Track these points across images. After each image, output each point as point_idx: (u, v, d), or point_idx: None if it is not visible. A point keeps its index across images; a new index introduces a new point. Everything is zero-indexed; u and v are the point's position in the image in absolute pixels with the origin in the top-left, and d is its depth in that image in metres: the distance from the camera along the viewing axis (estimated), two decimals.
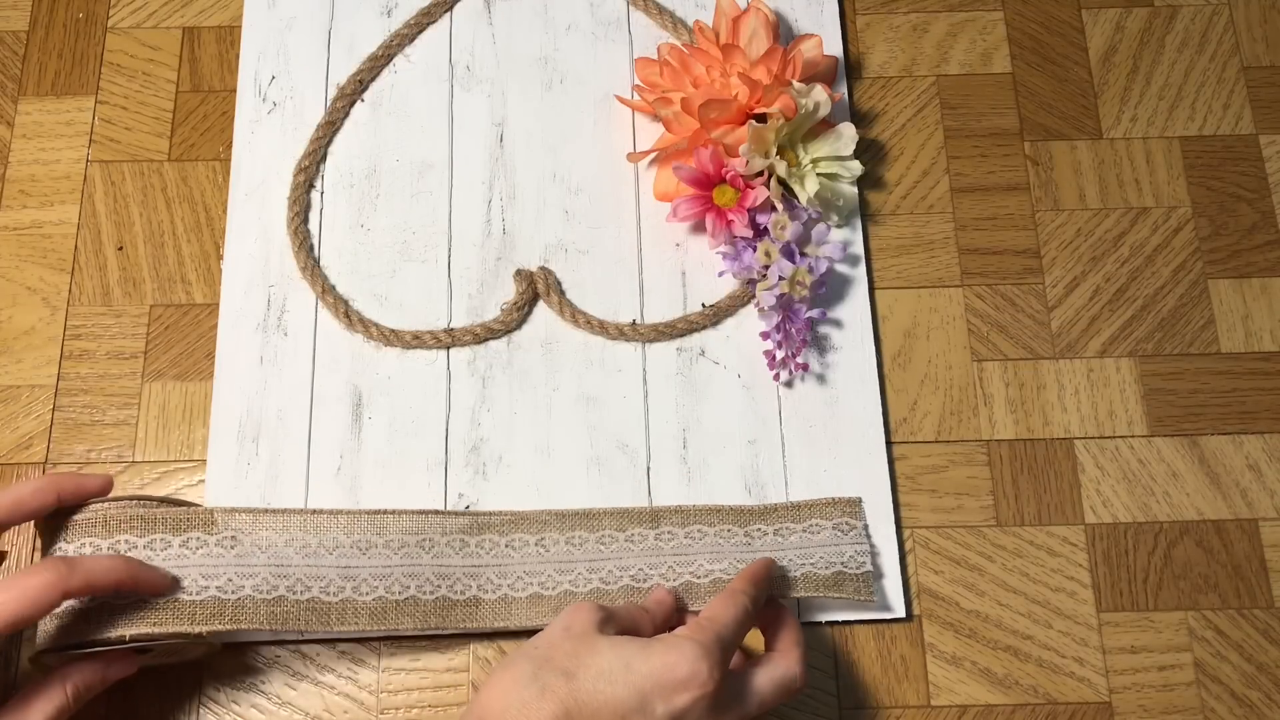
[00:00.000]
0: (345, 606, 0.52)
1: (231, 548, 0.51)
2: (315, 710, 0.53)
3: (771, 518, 0.55)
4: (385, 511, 0.54)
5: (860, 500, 0.56)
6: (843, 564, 0.54)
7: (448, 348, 0.59)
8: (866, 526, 0.56)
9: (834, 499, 0.55)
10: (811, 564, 0.54)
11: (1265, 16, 0.66)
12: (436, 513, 0.54)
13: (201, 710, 0.53)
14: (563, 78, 0.65)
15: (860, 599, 0.53)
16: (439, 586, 0.53)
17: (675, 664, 0.43)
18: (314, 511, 0.53)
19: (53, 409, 0.58)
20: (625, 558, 0.54)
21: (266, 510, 0.53)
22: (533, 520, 0.55)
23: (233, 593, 0.50)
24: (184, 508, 0.52)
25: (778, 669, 0.47)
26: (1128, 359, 0.59)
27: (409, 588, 0.53)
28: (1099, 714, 0.54)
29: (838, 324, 0.60)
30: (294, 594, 0.51)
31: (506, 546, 0.54)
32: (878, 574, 0.55)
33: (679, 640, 0.44)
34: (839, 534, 0.55)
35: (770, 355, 0.58)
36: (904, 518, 0.57)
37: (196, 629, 0.49)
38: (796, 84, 0.59)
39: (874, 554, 0.55)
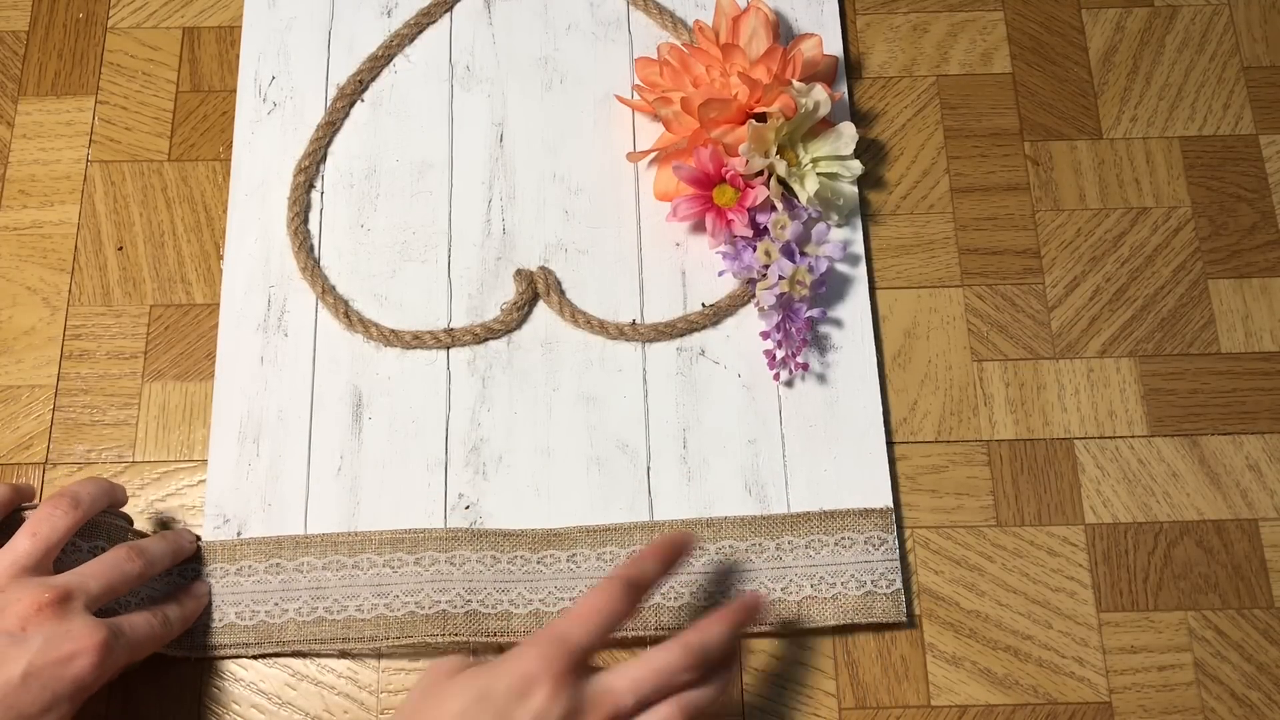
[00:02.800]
0: (379, 622, 0.53)
1: (277, 574, 0.54)
2: (315, 710, 0.53)
3: (803, 529, 0.55)
4: (417, 531, 0.55)
5: (891, 511, 0.56)
6: (873, 582, 0.54)
7: (448, 348, 0.59)
8: (897, 539, 0.56)
9: (866, 509, 0.55)
10: (842, 583, 0.54)
11: (1265, 16, 0.66)
12: (468, 531, 0.55)
13: (201, 710, 0.53)
14: (563, 78, 0.65)
15: (890, 620, 0.54)
16: (469, 601, 0.54)
17: (518, 669, 0.43)
18: (349, 534, 0.55)
19: (53, 409, 0.58)
20: None
21: (308, 537, 0.55)
22: (564, 536, 0.55)
23: (279, 617, 0.54)
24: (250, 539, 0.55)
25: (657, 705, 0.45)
26: (1128, 359, 0.59)
27: (439, 603, 0.53)
28: (1099, 714, 0.54)
29: (838, 324, 0.60)
30: (331, 614, 0.54)
31: (538, 563, 0.54)
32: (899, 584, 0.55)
33: (519, 648, 0.44)
34: (870, 549, 0.55)
35: (770, 355, 0.58)
36: (904, 518, 0.57)
37: (249, 654, 0.54)
38: (796, 83, 0.59)
39: (905, 570, 0.55)
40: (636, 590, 0.46)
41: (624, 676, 0.44)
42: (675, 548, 0.49)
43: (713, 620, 0.47)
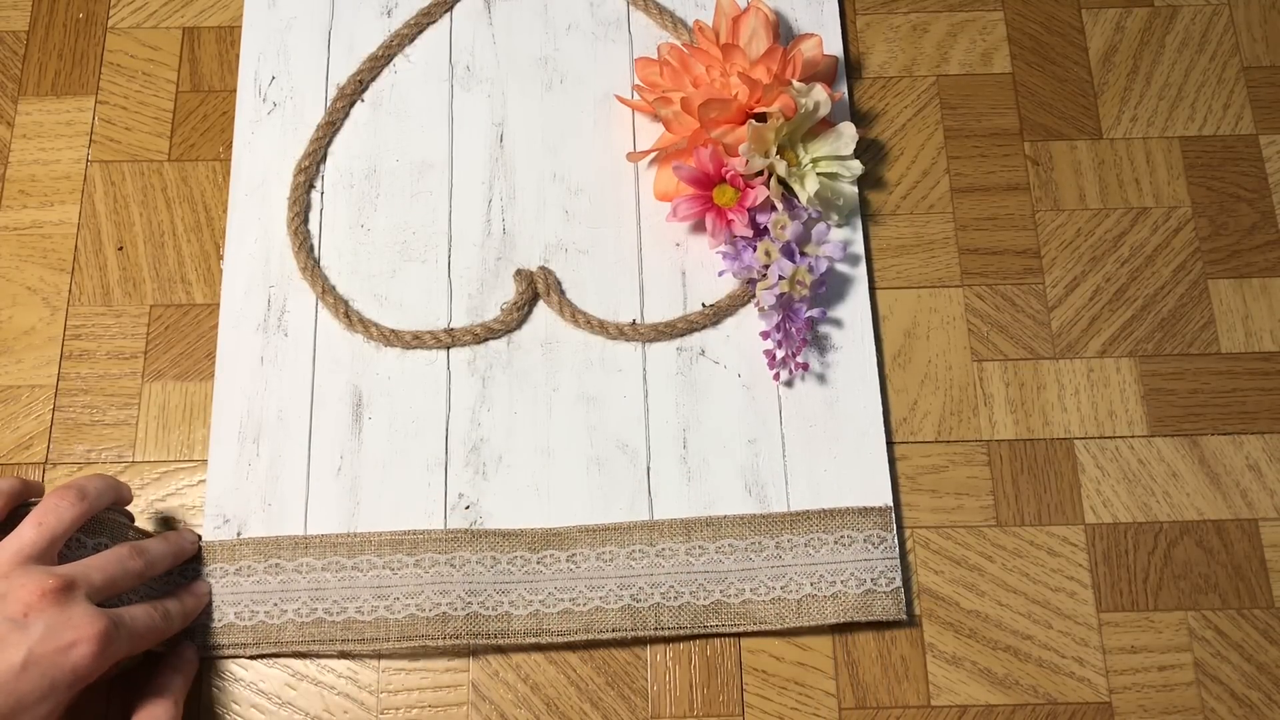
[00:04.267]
0: (379, 624, 0.53)
1: (276, 575, 0.54)
2: (315, 710, 0.53)
3: (802, 527, 0.55)
4: (417, 532, 0.55)
5: (891, 510, 0.56)
6: (873, 580, 0.54)
7: (448, 348, 0.59)
8: (898, 539, 0.56)
9: (865, 508, 0.55)
10: (843, 581, 0.54)
11: (1265, 16, 0.66)
12: (467, 532, 0.55)
13: (201, 710, 0.53)
14: (563, 78, 0.65)
15: (890, 618, 0.54)
16: (470, 603, 0.53)
17: None
18: (349, 535, 0.55)
19: (53, 409, 0.58)
20: (656, 574, 0.54)
21: (306, 538, 0.55)
22: (564, 536, 0.55)
23: (277, 617, 0.54)
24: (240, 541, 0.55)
25: None
26: (1128, 359, 0.59)
27: (440, 605, 0.53)
28: (1099, 714, 0.54)
29: (838, 324, 0.60)
30: (330, 616, 0.54)
31: (538, 563, 0.54)
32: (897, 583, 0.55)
33: None
34: (870, 547, 0.55)
35: (770, 355, 0.58)
36: (904, 518, 0.57)
37: (248, 654, 0.54)
38: (796, 83, 0.59)
39: (905, 570, 0.55)
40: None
41: None
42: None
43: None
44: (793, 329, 0.57)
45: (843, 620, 0.54)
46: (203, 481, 0.57)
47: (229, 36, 0.66)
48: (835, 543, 0.55)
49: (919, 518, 0.57)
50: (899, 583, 0.54)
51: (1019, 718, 0.54)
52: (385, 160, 0.63)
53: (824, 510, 0.55)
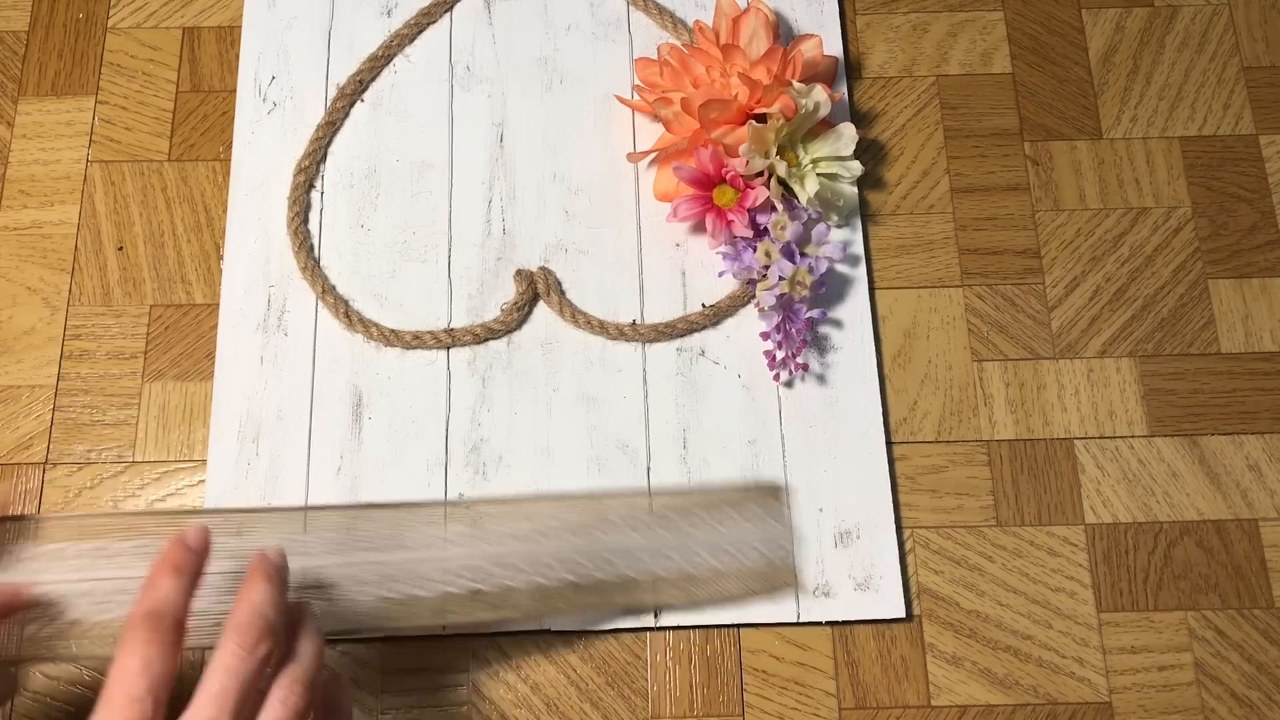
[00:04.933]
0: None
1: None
2: None
3: (700, 501, 0.54)
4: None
5: (781, 488, 0.56)
6: (772, 552, 0.54)
7: (448, 348, 0.59)
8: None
9: (759, 484, 0.56)
10: (744, 555, 0.54)
11: (1265, 17, 0.66)
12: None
13: None
14: (563, 78, 0.65)
15: (789, 586, 0.54)
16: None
17: None
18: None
19: (53, 409, 0.58)
20: (564, 552, 0.52)
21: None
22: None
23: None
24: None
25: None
26: (1128, 359, 0.59)
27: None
28: (1099, 714, 0.54)
29: (838, 324, 0.60)
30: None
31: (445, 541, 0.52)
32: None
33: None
34: (772, 521, 0.54)
35: (770, 355, 0.58)
36: (904, 518, 0.57)
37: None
38: (796, 84, 0.59)
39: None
40: (162, 622, 0.39)
41: (205, 700, 0.38)
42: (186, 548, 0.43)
43: (246, 588, 0.41)
44: (793, 329, 0.57)
45: (746, 594, 0.53)
46: (203, 481, 0.57)
47: (229, 36, 0.66)
48: (740, 518, 0.54)
49: (919, 518, 0.57)
50: (794, 554, 0.54)
51: (1019, 718, 0.54)
52: (385, 160, 0.63)
53: (721, 486, 0.55)
